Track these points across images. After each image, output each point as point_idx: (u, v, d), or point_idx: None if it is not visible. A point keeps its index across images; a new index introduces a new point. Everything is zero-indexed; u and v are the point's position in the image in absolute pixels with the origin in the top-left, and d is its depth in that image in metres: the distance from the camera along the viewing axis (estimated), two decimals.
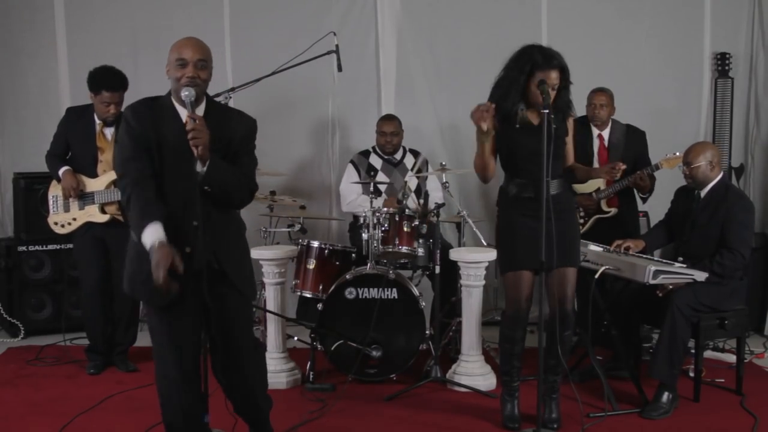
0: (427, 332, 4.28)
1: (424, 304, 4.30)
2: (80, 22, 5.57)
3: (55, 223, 4.44)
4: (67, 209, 4.39)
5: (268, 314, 4.29)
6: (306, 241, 4.53)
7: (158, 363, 2.89)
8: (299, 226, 4.72)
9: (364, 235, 4.39)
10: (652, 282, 3.65)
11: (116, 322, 4.51)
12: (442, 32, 5.66)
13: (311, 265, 4.46)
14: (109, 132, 4.36)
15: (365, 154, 5.19)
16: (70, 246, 4.64)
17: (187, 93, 2.68)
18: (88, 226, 4.38)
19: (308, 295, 4.48)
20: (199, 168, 2.69)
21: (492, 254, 4.25)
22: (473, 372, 4.19)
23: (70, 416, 3.71)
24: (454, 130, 5.68)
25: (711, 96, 5.60)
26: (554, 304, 3.49)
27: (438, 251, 4.26)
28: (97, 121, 4.36)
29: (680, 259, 4.11)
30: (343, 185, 5.17)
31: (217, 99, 4.53)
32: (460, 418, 3.79)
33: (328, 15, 5.57)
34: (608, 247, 4.10)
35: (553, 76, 3.35)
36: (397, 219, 4.38)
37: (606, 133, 4.78)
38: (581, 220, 4.72)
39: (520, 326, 3.59)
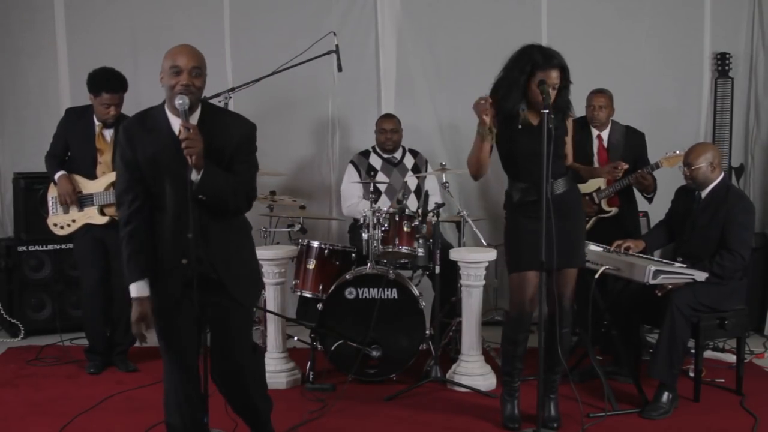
0: (427, 332, 4.28)
1: (424, 304, 4.30)
2: (80, 22, 5.57)
3: (55, 225, 4.44)
4: (66, 210, 4.39)
5: (268, 314, 4.29)
6: (306, 241, 4.53)
7: (163, 363, 2.93)
8: (299, 226, 4.72)
9: (364, 235, 4.39)
10: (652, 282, 3.65)
11: (116, 322, 4.51)
12: (442, 32, 5.66)
13: (311, 265, 4.46)
14: (109, 133, 4.36)
15: (365, 154, 5.19)
16: (70, 246, 4.64)
17: (181, 101, 2.65)
18: (88, 227, 4.38)
19: (308, 295, 4.48)
20: (194, 176, 2.67)
21: (492, 254, 4.26)
22: (473, 372, 4.19)
23: (70, 416, 3.70)
24: (454, 130, 5.68)
25: (711, 96, 5.60)
26: (553, 302, 3.49)
27: (438, 251, 4.26)
28: (97, 123, 4.36)
29: (680, 259, 4.11)
30: (344, 186, 5.17)
31: (217, 99, 4.56)
32: (460, 418, 3.79)
33: (328, 15, 5.56)
34: (608, 247, 4.10)
35: (554, 76, 3.35)
36: (397, 219, 4.37)
37: (605, 134, 4.78)
38: (584, 214, 4.71)
39: (523, 329, 3.59)
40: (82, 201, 4.36)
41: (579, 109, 4.25)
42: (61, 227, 4.42)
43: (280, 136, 5.44)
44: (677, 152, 4.44)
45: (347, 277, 4.27)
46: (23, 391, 4.15)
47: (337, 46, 4.78)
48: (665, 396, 3.82)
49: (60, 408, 3.85)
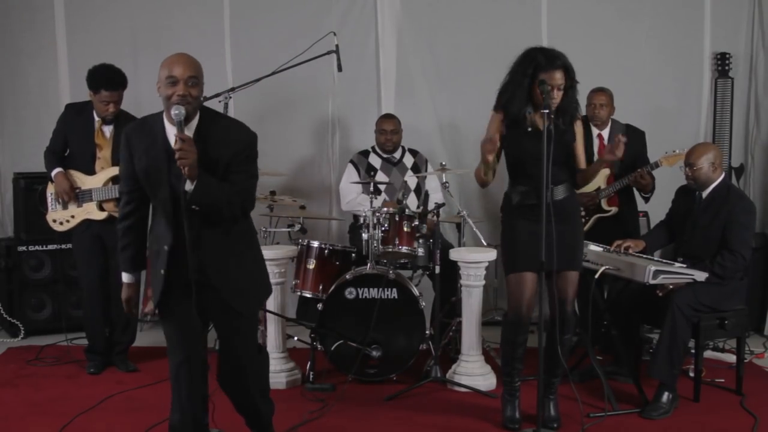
0: (427, 332, 4.28)
1: (424, 304, 4.30)
2: (80, 22, 5.57)
3: (54, 221, 4.44)
4: (65, 206, 4.40)
5: (268, 314, 4.29)
6: (306, 241, 4.53)
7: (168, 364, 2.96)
8: (299, 226, 4.72)
9: (364, 235, 4.39)
10: (652, 282, 3.65)
11: (114, 321, 4.51)
12: (442, 32, 5.66)
13: (311, 265, 4.46)
14: (108, 129, 4.36)
15: (365, 153, 5.19)
16: (70, 246, 4.64)
17: (177, 112, 2.65)
18: (87, 223, 4.38)
19: (308, 295, 4.48)
20: (188, 186, 2.68)
21: (492, 254, 4.26)
22: (473, 372, 4.19)
23: (70, 416, 3.70)
24: (454, 130, 5.68)
25: (711, 96, 5.60)
26: (554, 306, 3.49)
27: (438, 251, 4.26)
28: (96, 119, 4.36)
29: (680, 259, 4.11)
30: (343, 184, 5.17)
31: (217, 99, 4.56)
32: (460, 418, 3.79)
33: (328, 15, 5.56)
34: (608, 247, 4.10)
35: (557, 77, 3.35)
36: (397, 219, 4.38)
37: (606, 133, 4.78)
38: (582, 220, 4.71)
39: (522, 330, 3.58)
40: (80, 197, 4.37)
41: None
42: (60, 223, 4.43)
43: (280, 136, 5.44)
44: (677, 151, 4.44)
45: (347, 277, 4.27)
46: (23, 391, 4.15)
47: (337, 46, 4.78)
48: (665, 396, 3.82)
49: (60, 408, 3.85)
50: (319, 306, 4.29)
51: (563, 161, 3.54)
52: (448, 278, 4.53)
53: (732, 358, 4.45)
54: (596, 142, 4.76)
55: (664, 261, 3.97)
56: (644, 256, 4.11)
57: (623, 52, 5.56)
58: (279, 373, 4.20)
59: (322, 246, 4.52)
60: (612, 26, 5.60)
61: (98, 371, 4.44)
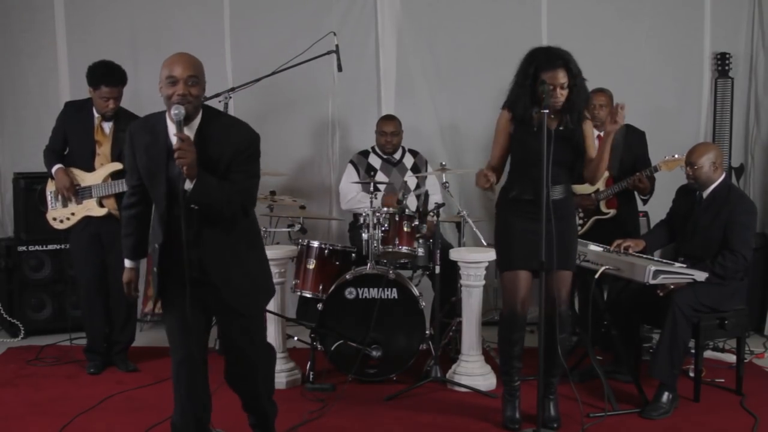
0: (427, 332, 4.28)
1: (424, 304, 4.30)
2: (80, 22, 5.57)
3: (54, 219, 4.45)
4: (65, 204, 4.40)
5: (268, 314, 4.28)
6: (306, 241, 4.53)
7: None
8: (299, 226, 4.72)
9: (364, 235, 4.39)
10: (652, 282, 3.65)
11: (113, 320, 4.51)
12: (442, 32, 5.66)
13: (311, 265, 4.46)
14: (108, 126, 4.37)
15: (365, 154, 5.19)
16: None
17: (176, 112, 2.67)
18: (86, 221, 4.38)
19: (308, 295, 4.48)
20: (187, 185, 2.70)
21: (492, 254, 4.24)
22: (473, 372, 4.19)
23: (70, 416, 3.70)
24: (454, 130, 5.68)
25: (711, 96, 5.60)
26: (550, 305, 3.49)
27: (438, 251, 4.26)
28: (96, 116, 4.36)
29: (681, 259, 4.11)
30: (343, 184, 5.17)
31: (217, 99, 4.56)
32: (460, 418, 3.79)
33: (328, 15, 5.56)
34: (608, 247, 4.10)
35: (559, 76, 3.35)
36: (397, 219, 4.38)
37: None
38: (580, 221, 4.72)
39: (517, 328, 3.59)
40: (80, 194, 4.37)
41: None
42: (61, 221, 4.43)
43: (280, 136, 5.43)
44: (676, 156, 4.44)
45: (347, 277, 4.27)
46: (23, 391, 4.15)
47: (337, 46, 4.79)
48: (665, 396, 3.82)
49: (60, 408, 3.85)
50: (319, 306, 4.29)
51: (567, 162, 3.54)
52: (448, 278, 4.53)
53: (732, 358, 4.45)
54: (596, 143, 4.75)
55: (664, 261, 3.97)
56: (644, 256, 4.11)
57: (623, 52, 5.56)
58: (279, 373, 4.18)
59: (322, 246, 4.52)
60: (612, 26, 5.60)
61: (98, 371, 4.44)
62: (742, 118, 5.64)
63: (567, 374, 3.67)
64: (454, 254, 4.30)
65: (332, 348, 4.23)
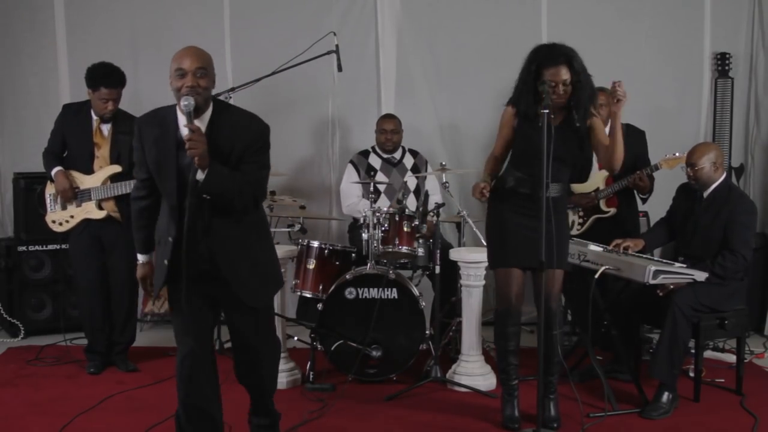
0: (427, 332, 4.28)
1: (424, 304, 4.30)
2: (80, 22, 5.57)
3: (53, 221, 4.45)
4: (64, 207, 4.40)
5: None
6: (306, 241, 4.53)
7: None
8: (299, 226, 4.72)
9: (364, 235, 4.39)
10: (651, 282, 3.65)
11: (114, 320, 4.51)
12: (442, 32, 5.66)
13: (311, 265, 4.46)
14: (106, 128, 4.37)
15: (365, 154, 5.20)
16: None
17: (186, 103, 2.70)
18: (85, 224, 4.38)
19: (308, 295, 4.48)
20: (199, 176, 2.72)
21: None
22: (473, 372, 4.19)
23: (70, 416, 3.70)
24: (454, 129, 5.68)
25: (711, 96, 5.60)
26: (542, 304, 3.49)
27: (438, 251, 4.26)
28: (94, 118, 4.36)
29: (681, 258, 4.11)
30: (344, 185, 5.18)
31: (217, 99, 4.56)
32: (460, 418, 3.79)
33: (328, 15, 5.57)
34: (608, 246, 4.10)
35: (561, 73, 3.35)
36: (397, 219, 4.38)
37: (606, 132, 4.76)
38: (580, 220, 4.72)
39: (511, 322, 3.61)
40: (79, 196, 4.36)
41: None
42: (60, 224, 4.43)
43: (280, 136, 5.33)
44: (677, 154, 4.44)
45: (347, 277, 4.27)
46: (23, 391, 4.15)
47: (337, 46, 4.79)
48: (665, 396, 3.82)
49: (60, 408, 3.85)
50: (319, 306, 4.29)
51: (568, 159, 3.54)
52: (448, 278, 4.53)
53: (732, 358, 4.45)
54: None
55: (664, 261, 3.97)
56: (644, 255, 4.11)
57: (623, 52, 5.55)
58: (279, 373, 4.18)
59: (322, 246, 4.52)
60: (612, 26, 5.60)
61: (98, 371, 4.43)
62: (742, 118, 5.64)
63: (567, 374, 3.67)
64: (454, 254, 4.30)
65: (332, 348, 4.23)
